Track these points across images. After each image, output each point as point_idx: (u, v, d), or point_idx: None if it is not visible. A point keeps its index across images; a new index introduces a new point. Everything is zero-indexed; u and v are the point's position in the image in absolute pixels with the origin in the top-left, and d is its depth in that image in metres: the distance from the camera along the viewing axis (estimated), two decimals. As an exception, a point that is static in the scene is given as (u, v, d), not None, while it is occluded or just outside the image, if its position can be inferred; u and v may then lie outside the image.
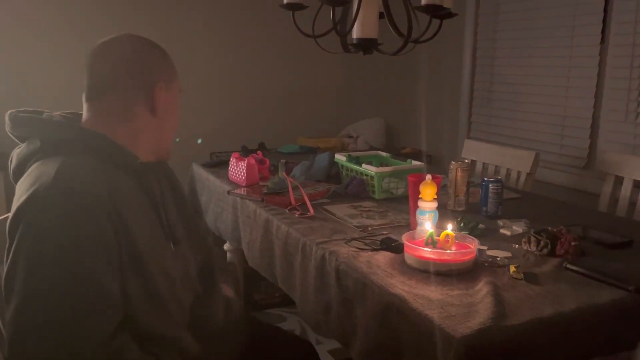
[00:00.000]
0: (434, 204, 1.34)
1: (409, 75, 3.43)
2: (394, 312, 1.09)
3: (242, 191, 1.89)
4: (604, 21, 2.32)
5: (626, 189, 1.93)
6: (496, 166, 2.32)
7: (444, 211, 1.61)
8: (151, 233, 1.04)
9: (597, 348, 1.09)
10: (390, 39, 1.74)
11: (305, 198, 1.71)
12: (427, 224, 1.30)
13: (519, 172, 2.19)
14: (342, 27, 1.75)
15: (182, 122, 1.27)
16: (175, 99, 1.16)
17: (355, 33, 1.70)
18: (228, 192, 1.92)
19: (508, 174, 2.25)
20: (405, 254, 1.25)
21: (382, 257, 1.30)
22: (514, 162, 2.23)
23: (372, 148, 3.05)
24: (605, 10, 2.31)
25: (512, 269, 1.19)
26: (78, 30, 2.83)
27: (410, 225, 1.51)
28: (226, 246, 2.26)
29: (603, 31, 2.33)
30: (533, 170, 2.15)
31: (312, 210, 1.65)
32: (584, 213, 1.76)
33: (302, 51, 3.14)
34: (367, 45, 1.73)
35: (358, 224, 1.55)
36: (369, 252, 1.33)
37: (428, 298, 1.08)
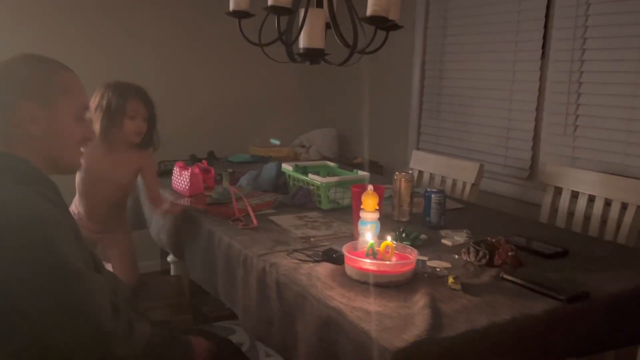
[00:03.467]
0: (376, 215, 1.34)
1: (361, 86, 3.46)
2: (333, 325, 1.08)
3: (185, 201, 1.84)
4: (545, 37, 2.41)
5: (564, 200, 1.99)
6: (442, 177, 2.35)
7: (388, 221, 1.62)
8: None
9: (530, 357, 1.10)
10: (338, 49, 1.74)
11: (249, 209, 1.67)
12: (368, 235, 1.30)
13: (464, 183, 2.23)
14: (288, 37, 1.74)
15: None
16: (67, 117, 1.11)
17: (302, 43, 1.70)
18: (170, 203, 1.86)
19: (454, 185, 2.28)
20: (346, 266, 1.24)
21: (323, 269, 1.28)
22: (459, 172, 2.27)
23: (324, 158, 3.05)
24: (546, 27, 2.40)
25: (450, 279, 1.20)
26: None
27: (353, 235, 1.50)
28: (169, 258, 2.19)
29: (544, 47, 2.42)
30: (477, 181, 2.19)
31: (255, 222, 1.62)
32: (525, 223, 1.80)
33: (254, 60, 3.11)
34: (313, 55, 1.72)
35: (302, 235, 1.53)
36: (310, 264, 1.31)
37: (366, 310, 1.07)
